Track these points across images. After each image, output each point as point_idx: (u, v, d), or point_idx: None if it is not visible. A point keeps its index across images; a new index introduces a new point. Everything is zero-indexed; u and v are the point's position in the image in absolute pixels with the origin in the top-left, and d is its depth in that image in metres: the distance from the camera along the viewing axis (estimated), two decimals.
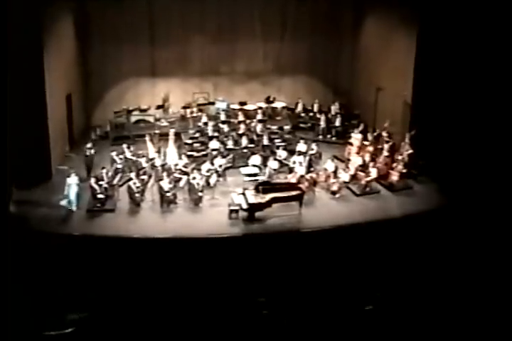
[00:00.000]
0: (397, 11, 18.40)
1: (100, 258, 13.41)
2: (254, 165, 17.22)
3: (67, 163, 17.41)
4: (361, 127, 18.84)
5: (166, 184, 15.46)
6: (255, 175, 16.65)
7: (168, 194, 15.37)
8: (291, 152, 17.70)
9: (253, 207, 14.80)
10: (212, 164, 16.90)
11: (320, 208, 15.61)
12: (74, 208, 14.68)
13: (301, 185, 15.72)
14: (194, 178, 15.69)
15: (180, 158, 17.04)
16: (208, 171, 16.47)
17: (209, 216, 15.05)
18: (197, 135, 19.06)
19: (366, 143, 18.03)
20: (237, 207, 14.93)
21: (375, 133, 18.44)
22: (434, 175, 16.40)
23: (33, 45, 14.92)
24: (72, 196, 14.66)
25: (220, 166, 16.92)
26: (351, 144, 18.16)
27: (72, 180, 14.82)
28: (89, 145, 17.28)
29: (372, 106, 20.65)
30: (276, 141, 18.68)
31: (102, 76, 20.67)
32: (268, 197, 14.94)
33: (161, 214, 15.15)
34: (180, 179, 16.06)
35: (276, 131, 19.51)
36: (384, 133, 18.00)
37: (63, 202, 14.64)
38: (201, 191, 15.61)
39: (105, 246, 13.53)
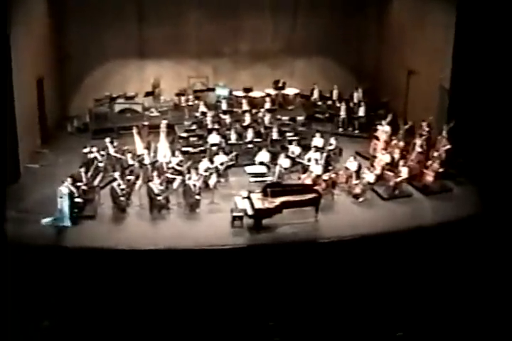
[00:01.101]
0: None
1: (76, 274, 13.46)
2: (262, 164, 17.33)
3: (39, 160, 17.52)
4: (389, 118, 18.86)
5: (156, 185, 15.52)
6: (263, 175, 16.77)
7: (159, 197, 15.42)
8: (306, 148, 17.77)
9: (260, 214, 14.87)
10: (212, 162, 16.98)
11: (340, 214, 15.70)
12: (68, 223, 14.64)
13: (317, 187, 15.78)
14: (190, 179, 15.72)
15: (173, 155, 17.10)
16: (206, 170, 16.53)
17: (208, 224, 15.14)
18: (193, 127, 19.15)
19: (395, 137, 18.14)
20: (241, 214, 15.00)
21: (407, 126, 18.49)
22: (475, 176, 16.43)
23: None
24: (66, 210, 14.58)
25: (221, 164, 16.98)
26: (377, 138, 18.24)
27: (66, 190, 14.74)
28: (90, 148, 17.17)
29: (403, 92, 20.68)
30: (288, 134, 18.77)
31: (81, 58, 20.75)
32: (278, 201, 14.98)
33: (151, 222, 15.27)
34: (173, 180, 16.14)
35: (288, 123, 19.64)
36: (424, 124, 17.83)
37: (47, 220, 14.52)
38: (198, 194, 15.64)
39: (84, 260, 13.58)
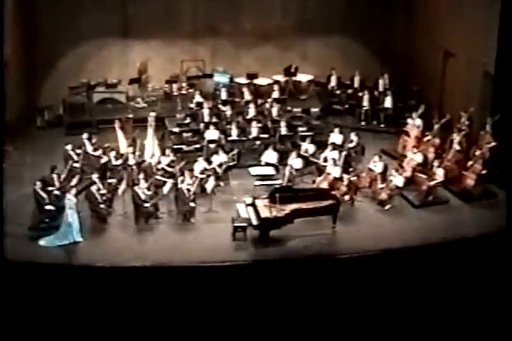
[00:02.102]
0: None
1: (48, 293, 13.50)
2: (269, 164, 17.36)
3: (1, 160, 17.15)
4: (421, 109, 18.98)
5: (143, 190, 15.60)
6: (270, 177, 16.83)
7: (146, 204, 15.49)
8: (322, 145, 17.83)
9: (267, 224, 14.90)
10: (209, 162, 17.05)
11: (362, 225, 15.76)
12: (79, 238, 14.81)
13: (335, 192, 15.82)
14: (183, 182, 15.78)
15: (163, 154, 17.22)
16: (203, 172, 16.60)
17: (205, 236, 15.19)
18: (187, 121, 19.25)
19: (429, 132, 18.16)
20: (244, 224, 15.05)
21: (443, 119, 18.46)
22: None
23: None
24: (77, 223, 14.77)
25: (220, 165, 17.03)
26: (407, 134, 18.34)
27: (74, 199, 14.90)
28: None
29: (438, 79, 20.69)
30: (300, 129, 18.87)
31: (53, 38, 20.84)
32: (288, 209, 15.03)
33: (137, 234, 15.33)
34: (163, 183, 16.20)
35: (300, 116, 19.74)
36: (463, 118, 17.88)
37: (48, 239, 14.59)
38: (193, 200, 15.72)
39: (56, 279, 13.64)
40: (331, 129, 18.59)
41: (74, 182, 16.05)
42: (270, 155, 17.59)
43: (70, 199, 14.88)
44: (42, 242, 14.63)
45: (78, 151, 17.19)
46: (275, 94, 20.68)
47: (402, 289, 14.26)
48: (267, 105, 19.96)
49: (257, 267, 14.41)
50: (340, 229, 15.37)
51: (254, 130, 18.72)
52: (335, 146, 17.52)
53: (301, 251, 14.77)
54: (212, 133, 18.26)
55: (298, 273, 14.28)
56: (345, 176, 16.38)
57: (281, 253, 14.76)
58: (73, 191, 15.14)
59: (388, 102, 20.55)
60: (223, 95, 20.66)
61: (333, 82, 21.74)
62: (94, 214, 15.66)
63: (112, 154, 17.10)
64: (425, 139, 18.04)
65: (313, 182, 16.80)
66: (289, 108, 20.17)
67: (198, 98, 20.08)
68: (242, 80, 21.55)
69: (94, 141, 17.71)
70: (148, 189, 15.68)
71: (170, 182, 16.08)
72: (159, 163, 16.92)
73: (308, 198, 15.30)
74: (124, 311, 13.54)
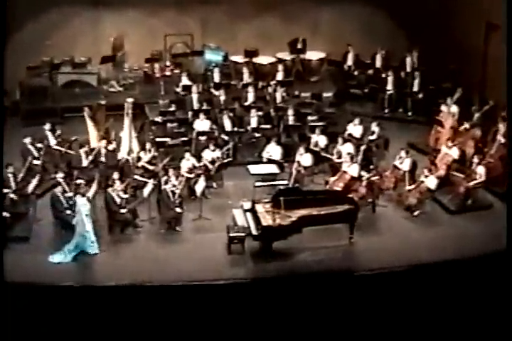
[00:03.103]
0: None
1: (14, 315, 13.30)
2: (272, 161, 17.39)
3: None
4: (458, 94, 19.21)
5: (118, 193, 15.65)
6: (273, 177, 16.82)
7: (122, 210, 15.58)
8: (336, 137, 17.75)
9: (269, 234, 14.91)
10: (199, 159, 17.05)
11: (386, 235, 15.81)
12: (96, 250, 14.98)
13: (352, 195, 15.85)
14: (167, 183, 15.82)
15: (143, 149, 17.27)
16: (191, 171, 16.64)
17: (193, 248, 15.24)
18: (172, 108, 19.29)
19: (467, 122, 18.18)
20: (241, 234, 15.08)
21: (486, 107, 18.51)
22: None
23: None
24: (91, 232, 14.94)
25: (213, 163, 17.10)
26: (440, 124, 18.37)
27: (87, 204, 15.02)
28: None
29: (479, 56, 20.77)
30: (310, 118, 18.88)
31: (8, 5, 20.03)
32: (295, 215, 15.04)
33: (111, 246, 15.34)
34: (143, 184, 16.18)
35: (310, 102, 19.80)
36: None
37: (62, 255, 14.74)
38: (180, 205, 15.75)
39: (13, 301, 13.37)
40: (347, 118, 18.77)
41: (34, 183, 15.98)
42: (273, 150, 17.65)
43: (84, 204, 14.92)
44: (54, 258, 14.74)
45: (39, 145, 17.25)
46: (279, 76, 20.84)
47: (434, 313, 14.24)
48: (270, 89, 20.07)
49: (256, 286, 14.39)
50: (358, 241, 15.39)
51: (253, 119, 18.80)
52: (352, 139, 17.61)
53: (311, 267, 14.74)
54: (202, 124, 18.35)
55: (306, 294, 14.25)
56: (365, 175, 16.39)
57: (286, 269, 14.73)
58: (91, 192, 15.22)
59: (417, 85, 20.66)
60: (216, 77, 20.73)
61: (350, 61, 21.81)
62: (59, 222, 15.65)
63: (82, 150, 17.05)
64: (462, 128, 18.04)
65: (326, 182, 16.86)
66: (296, 92, 20.29)
67: (185, 80, 20.23)
68: (239, 59, 21.60)
69: (58, 132, 17.79)
70: (125, 191, 15.75)
71: (151, 182, 16.03)
72: (138, 159, 16.98)
73: (320, 202, 15.28)
74: (100, 336, 13.55)
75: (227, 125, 18.63)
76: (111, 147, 17.14)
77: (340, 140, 17.46)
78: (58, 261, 14.71)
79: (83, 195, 15.02)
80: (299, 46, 21.95)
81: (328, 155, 17.47)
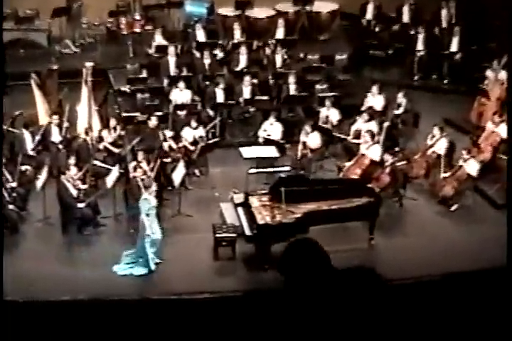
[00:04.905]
0: None
1: None
2: (269, 141, 17.22)
3: None
4: (506, 58, 18.58)
5: (75, 182, 15.45)
6: (272, 162, 16.78)
7: (80, 205, 15.32)
8: (352, 112, 17.66)
9: (267, 234, 14.67)
10: (177, 139, 16.72)
11: (414, 236, 15.68)
12: (156, 260, 14.80)
13: (373, 185, 15.57)
14: (136, 170, 15.45)
15: (106, 127, 17.19)
16: (166, 155, 16.22)
17: (171, 253, 15.02)
18: (143, 75, 19.18)
19: None
20: (231, 234, 14.92)
21: None
22: None
23: None
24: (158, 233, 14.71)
25: (195, 143, 16.88)
26: (485, 95, 18.17)
27: (153, 200, 14.84)
28: None
29: None
30: (319, 87, 18.62)
31: None
32: (300, 211, 14.81)
33: (65, 250, 15.31)
34: (106, 172, 15.97)
35: (319, 66, 19.50)
36: None
37: (128, 266, 14.72)
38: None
39: None
40: (366, 88, 18.41)
41: None
42: (272, 128, 17.49)
43: (148, 199, 14.71)
44: (120, 270, 14.72)
45: None
46: (279, 33, 20.58)
47: (474, 329, 13.57)
48: (268, 50, 19.69)
49: (249, 301, 13.70)
50: (380, 242, 15.34)
51: (247, 89, 18.46)
52: (373, 114, 17.35)
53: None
54: (181, 94, 18.08)
55: (311, 311, 13.58)
56: (389, 159, 16.17)
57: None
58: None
59: (455, 45, 20.32)
60: (199, 35, 20.42)
61: (369, 14, 21.60)
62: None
63: (26, 130, 16.90)
64: None
65: (340, 169, 16.72)
66: (301, 54, 19.89)
67: (159, 39, 20.07)
68: (229, 11, 21.34)
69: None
70: (83, 181, 15.61)
71: (116, 170, 15.84)
72: (100, 140, 16.81)
73: (332, 194, 15.10)
74: None
75: (214, 96, 18.08)
76: (65, 124, 16.96)
77: (363, 115, 17.26)
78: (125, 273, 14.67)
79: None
80: None
81: (342, 135, 17.28)
